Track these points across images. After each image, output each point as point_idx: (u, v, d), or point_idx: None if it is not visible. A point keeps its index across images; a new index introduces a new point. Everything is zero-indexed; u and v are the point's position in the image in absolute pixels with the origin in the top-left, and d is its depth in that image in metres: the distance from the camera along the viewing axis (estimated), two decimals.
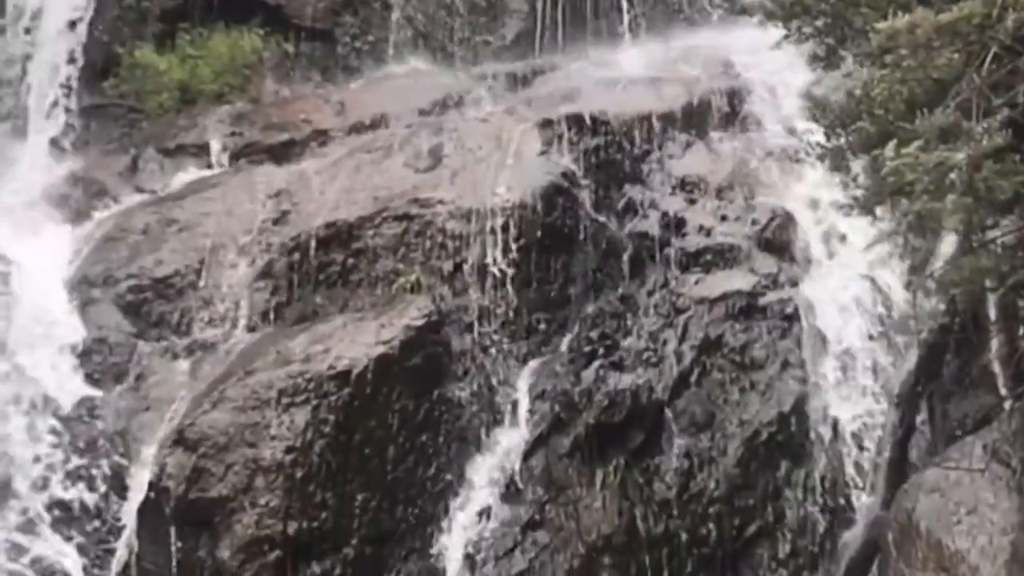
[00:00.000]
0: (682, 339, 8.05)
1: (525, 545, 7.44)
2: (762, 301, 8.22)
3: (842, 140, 7.07)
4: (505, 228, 8.19)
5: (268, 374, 7.51)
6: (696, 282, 8.29)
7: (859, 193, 7.03)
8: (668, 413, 7.83)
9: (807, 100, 7.36)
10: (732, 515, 7.62)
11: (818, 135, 7.47)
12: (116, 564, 7.12)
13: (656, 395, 7.84)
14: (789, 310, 8.22)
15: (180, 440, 7.32)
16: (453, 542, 7.44)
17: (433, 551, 7.40)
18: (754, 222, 8.60)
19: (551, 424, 7.75)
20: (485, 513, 7.51)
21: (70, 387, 7.44)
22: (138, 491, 7.25)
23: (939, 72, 6.20)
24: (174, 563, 7.12)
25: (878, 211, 7.18)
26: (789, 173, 8.79)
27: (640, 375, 7.88)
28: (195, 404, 7.51)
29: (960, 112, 6.12)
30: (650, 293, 8.29)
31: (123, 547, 7.13)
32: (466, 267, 8.14)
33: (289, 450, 7.31)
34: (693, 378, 7.95)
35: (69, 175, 8.62)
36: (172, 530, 7.16)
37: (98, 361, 7.66)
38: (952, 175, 6.10)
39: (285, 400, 7.41)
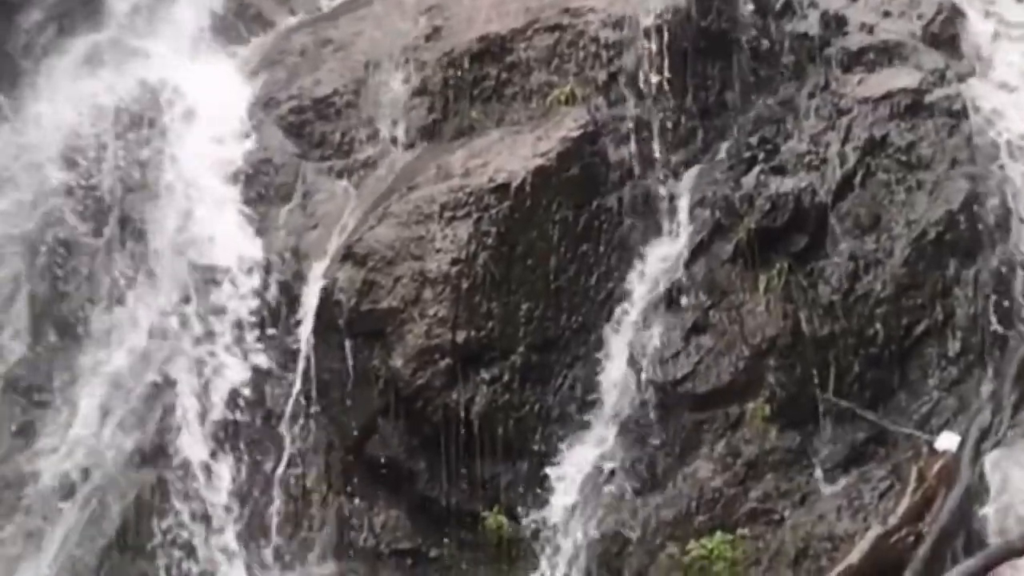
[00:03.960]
0: (845, 140, 8.19)
1: (689, 349, 7.80)
2: (928, 98, 8.28)
3: None
4: (659, 34, 8.36)
5: (430, 189, 7.93)
6: (859, 82, 8.38)
7: None
8: (832, 216, 8.04)
9: None
10: (899, 315, 7.84)
11: None
12: (296, 377, 7.72)
13: (819, 198, 8.03)
14: (957, 107, 8.26)
15: (349, 255, 7.81)
16: (617, 348, 7.82)
17: (598, 357, 7.82)
18: (919, 17, 8.61)
19: (712, 230, 8.03)
20: (648, 320, 7.89)
21: (240, 207, 7.99)
22: (311, 306, 7.81)
23: None
24: (349, 373, 7.70)
25: None
26: None
27: (802, 178, 8.06)
28: (361, 220, 7.98)
29: None
30: (811, 95, 8.41)
31: (300, 360, 7.71)
32: (620, 76, 8.35)
33: (454, 262, 7.75)
34: (857, 180, 8.11)
35: (224, 1, 9.03)
36: (346, 342, 7.72)
37: (265, 181, 8.18)
38: None
39: (448, 214, 7.83)
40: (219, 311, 7.72)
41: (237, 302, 7.74)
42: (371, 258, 7.79)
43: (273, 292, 7.80)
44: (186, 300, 7.71)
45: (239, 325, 7.71)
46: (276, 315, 7.78)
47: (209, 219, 7.84)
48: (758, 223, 7.96)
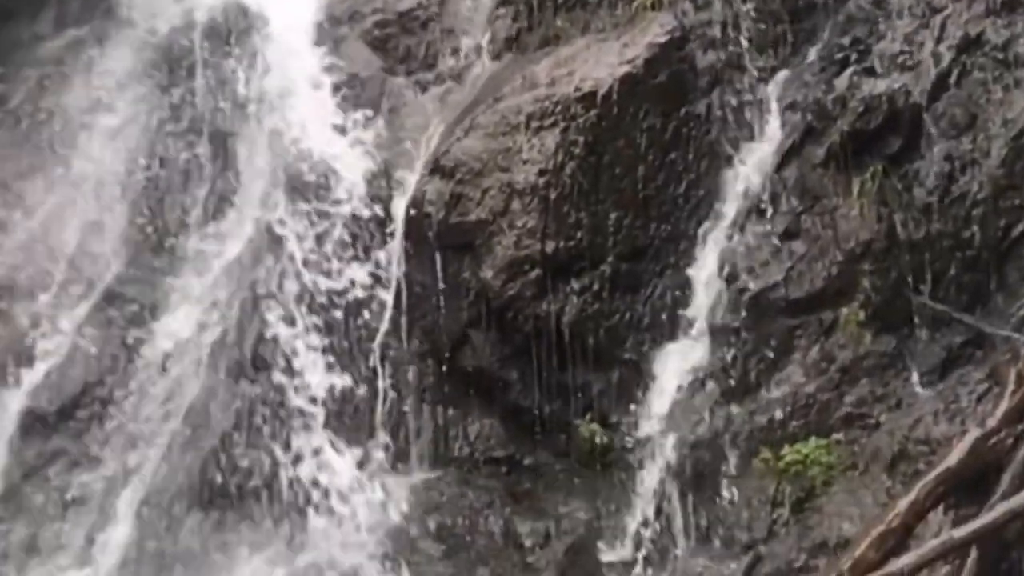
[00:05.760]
0: (939, 39, 8.10)
1: (781, 256, 7.83)
2: None
3: None
4: None
5: (516, 99, 8.01)
6: None
7: None
8: (926, 116, 7.98)
9: None
10: (997, 216, 7.78)
11: None
12: (388, 290, 7.89)
13: (913, 99, 7.97)
14: None
15: (437, 168, 7.95)
16: (707, 256, 7.90)
17: (688, 265, 7.90)
18: None
19: (803, 134, 8.03)
20: (738, 226, 7.94)
21: (329, 121, 8.15)
22: (401, 219, 7.97)
23: None
24: (440, 285, 7.86)
25: None
26: None
27: (896, 79, 8.01)
28: (448, 133, 8.10)
29: None
30: None
31: (392, 273, 7.89)
32: None
33: (541, 173, 7.85)
34: (952, 79, 8.03)
35: None
36: (436, 254, 7.88)
37: (352, 96, 8.32)
38: None
39: (534, 124, 7.91)
40: (311, 225, 7.93)
41: (330, 216, 7.94)
42: (459, 170, 7.92)
43: (364, 205, 8.00)
44: (278, 215, 7.91)
45: (332, 239, 7.92)
46: (367, 228, 7.98)
47: (297, 135, 8.03)
48: (851, 126, 7.94)
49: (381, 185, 8.02)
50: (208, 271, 7.84)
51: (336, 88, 8.15)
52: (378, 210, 7.94)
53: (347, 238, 7.86)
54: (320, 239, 7.84)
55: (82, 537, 7.26)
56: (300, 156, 7.93)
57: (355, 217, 7.92)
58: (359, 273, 7.82)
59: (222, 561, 7.14)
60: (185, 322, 7.71)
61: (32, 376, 7.68)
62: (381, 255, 7.88)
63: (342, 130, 8.09)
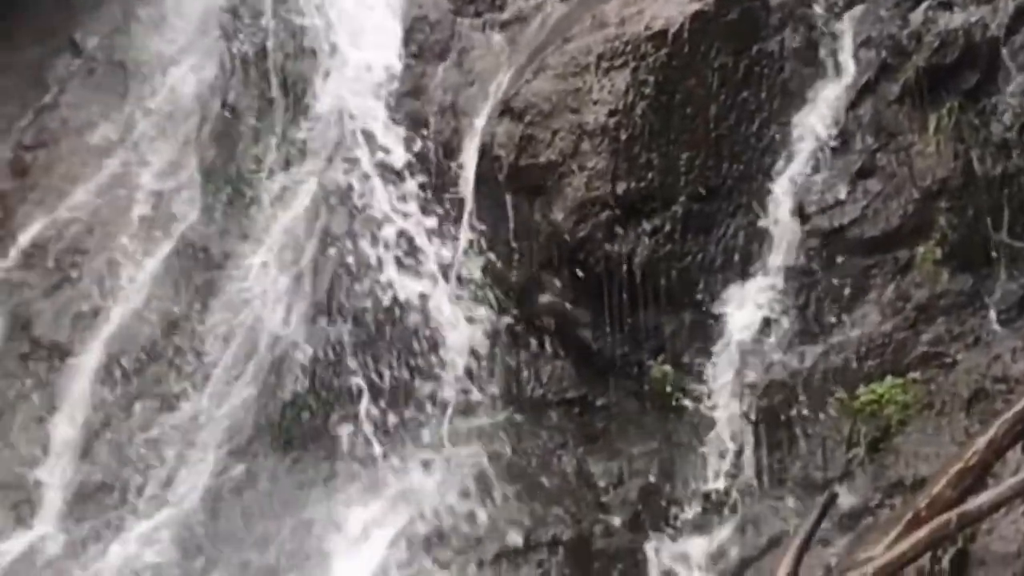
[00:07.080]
0: None
1: (856, 194, 7.77)
2: None
3: None
4: None
5: (585, 40, 7.99)
6: None
7: None
8: (1004, 50, 7.85)
9: None
10: None
11: None
12: (460, 233, 7.96)
13: (991, 32, 7.84)
14: None
15: (506, 110, 7.96)
16: (781, 195, 7.84)
17: (761, 205, 7.85)
18: None
19: (878, 70, 7.93)
20: (813, 165, 7.87)
21: (397, 66, 8.19)
22: (471, 163, 8.02)
23: None
24: (511, 228, 7.90)
25: None
26: None
27: (972, 13, 7.88)
28: (517, 75, 8.12)
29: None
30: None
31: (464, 216, 7.94)
32: None
33: (612, 113, 7.83)
34: None
35: None
36: (507, 197, 7.91)
37: (420, 39, 8.36)
38: None
39: (604, 64, 7.89)
40: (383, 170, 7.99)
41: (401, 161, 8.00)
42: (528, 112, 7.92)
43: (433, 150, 8.05)
44: (351, 161, 7.99)
45: (404, 184, 7.99)
46: (438, 173, 8.04)
47: (367, 82, 8.09)
48: (926, 61, 7.83)
49: (451, 129, 8.08)
50: (281, 215, 7.96)
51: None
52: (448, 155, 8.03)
53: (419, 185, 7.96)
54: (391, 188, 7.89)
55: (162, 479, 7.43)
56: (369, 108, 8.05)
57: (426, 162, 7.99)
58: (431, 218, 7.91)
59: (300, 502, 7.28)
60: (261, 266, 7.83)
61: (111, 319, 7.87)
62: (452, 199, 7.96)
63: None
